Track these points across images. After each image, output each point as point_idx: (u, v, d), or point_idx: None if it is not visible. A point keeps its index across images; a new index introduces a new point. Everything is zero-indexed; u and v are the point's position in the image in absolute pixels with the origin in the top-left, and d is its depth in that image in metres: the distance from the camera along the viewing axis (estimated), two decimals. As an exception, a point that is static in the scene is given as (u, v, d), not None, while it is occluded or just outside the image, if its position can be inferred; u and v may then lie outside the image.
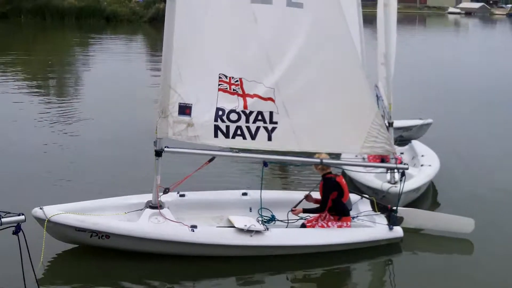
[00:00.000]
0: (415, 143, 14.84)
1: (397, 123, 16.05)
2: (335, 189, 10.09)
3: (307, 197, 10.53)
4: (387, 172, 11.81)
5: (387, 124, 12.36)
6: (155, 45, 43.70)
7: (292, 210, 10.27)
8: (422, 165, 13.23)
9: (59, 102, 22.34)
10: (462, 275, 9.80)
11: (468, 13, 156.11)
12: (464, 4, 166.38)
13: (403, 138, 15.72)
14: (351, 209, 10.44)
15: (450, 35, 77.94)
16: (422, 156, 13.85)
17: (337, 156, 11.81)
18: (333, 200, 10.08)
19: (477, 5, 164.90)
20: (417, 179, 12.23)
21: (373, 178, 12.21)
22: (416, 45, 52.07)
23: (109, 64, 33.49)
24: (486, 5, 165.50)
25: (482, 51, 52.19)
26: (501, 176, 14.46)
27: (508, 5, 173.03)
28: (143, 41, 51.22)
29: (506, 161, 15.88)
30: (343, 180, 10.37)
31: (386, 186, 11.53)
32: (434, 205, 12.68)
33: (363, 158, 12.91)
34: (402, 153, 14.43)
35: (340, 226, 10.19)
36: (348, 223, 10.27)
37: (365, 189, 12.33)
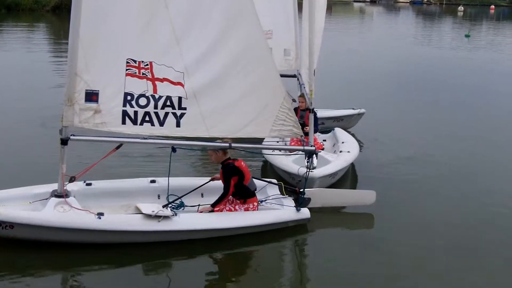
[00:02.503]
0: (337, 130, 15.09)
1: (329, 113, 16.50)
2: (235, 173, 10.20)
3: (213, 179, 10.69)
4: (308, 158, 11.36)
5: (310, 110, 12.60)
6: (58, 34, 42.80)
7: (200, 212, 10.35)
8: (341, 151, 13.46)
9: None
10: (366, 248, 10.14)
11: (373, 1, 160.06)
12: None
13: (324, 125, 15.96)
14: (255, 189, 10.55)
15: (356, 23, 79.75)
16: (343, 143, 14.09)
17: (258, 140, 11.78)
18: (235, 185, 10.20)
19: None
20: (333, 164, 12.44)
21: (290, 163, 12.34)
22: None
23: (10, 53, 32.60)
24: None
25: (387, 38, 53.77)
26: (417, 158, 15.39)
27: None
28: (46, 30, 49.90)
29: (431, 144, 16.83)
30: (243, 163, 10.43)
31: (302, 170, 11.44)
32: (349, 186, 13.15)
33: (285, 143, 13.07)
34: (324, 140, 14.72)
35: (246, 209, 10.34)
36: (255, 203, 10.44)
37: (283, 174, 12.50)
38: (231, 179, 10.16)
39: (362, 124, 17.56)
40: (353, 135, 16.02)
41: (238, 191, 10.29)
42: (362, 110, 17.42)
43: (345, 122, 17.03)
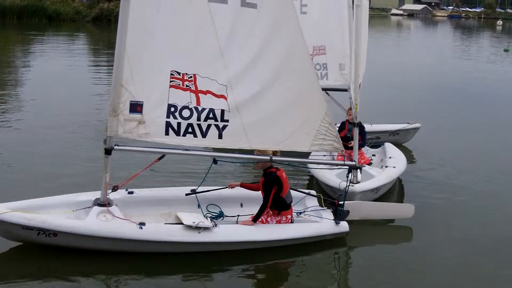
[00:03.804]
0: (387, 145, 14.96)
1: (384, 127, 16.45)
2: (275, 183, 10.19)
3: (231, 186, 10.93)
4: (348, 173, 11.17)
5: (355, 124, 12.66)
6: (98, 44, 43.38)
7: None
8: (386, 166, 13.37)
9: (0, 98, 22.02)
10: (403, 262, 10.14)
11: (411, 14, 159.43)
12: (406, 6, 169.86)
13: (379, 140, 15.89)
14: (291, 201, 10.54)
15: (394, 36, 79.45)
16: (390, 158, 13.96)
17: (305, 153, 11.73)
18: (273, 195, 10.19)
19: (419, 7, 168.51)
20: (376, 179, 12.38)
21: (333, 176, 12.33)
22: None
23: (51, 62, 33.16)
24: (428, 7, 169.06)
25: (426, 51, 53.52)
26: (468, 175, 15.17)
27: (449, 7, 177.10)
28: (86, 40, 50.61)
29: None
30: (284, 174, 10.42)
31: (343, 185, 11.36)
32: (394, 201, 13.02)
33: (333, 157, 13.05)
34: (373, 155, 14.61)
35: (279, 221, 10.34)
36: (288, 216, 10.43)
37: (325, 187, 12.53)
38: (272, 189, 10.17)
39: (415, 139, 17.43)
40: (405, 149, 15.95)
41: (274, 202, 10.25)
42: (418, 125, 17.23)
43: (401, 136, 16.94)
